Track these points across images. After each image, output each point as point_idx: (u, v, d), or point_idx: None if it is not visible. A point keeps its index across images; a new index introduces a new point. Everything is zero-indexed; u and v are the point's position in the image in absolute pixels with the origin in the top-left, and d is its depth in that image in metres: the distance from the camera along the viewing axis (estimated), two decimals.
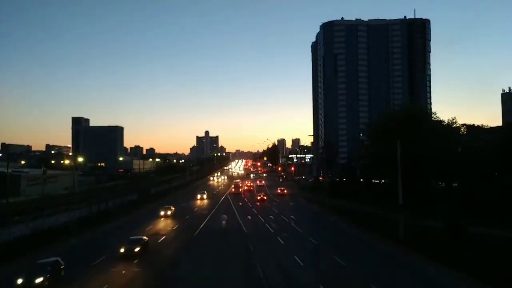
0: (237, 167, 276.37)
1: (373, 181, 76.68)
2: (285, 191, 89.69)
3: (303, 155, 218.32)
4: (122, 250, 30.97)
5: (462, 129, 71.72)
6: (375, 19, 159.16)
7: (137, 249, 31.15)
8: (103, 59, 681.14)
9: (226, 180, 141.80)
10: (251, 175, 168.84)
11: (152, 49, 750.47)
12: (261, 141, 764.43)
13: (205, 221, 50.70)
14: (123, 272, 27.21)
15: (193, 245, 37.13)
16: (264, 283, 24.81)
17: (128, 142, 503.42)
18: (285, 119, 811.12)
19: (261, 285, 24.50)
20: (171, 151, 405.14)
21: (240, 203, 72.56)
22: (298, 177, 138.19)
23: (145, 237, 34.95)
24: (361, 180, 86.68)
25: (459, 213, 40.45)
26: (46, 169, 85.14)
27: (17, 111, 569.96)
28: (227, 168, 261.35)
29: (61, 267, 25.73)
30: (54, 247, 34.61)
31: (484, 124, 76.42)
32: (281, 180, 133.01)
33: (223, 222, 45.96)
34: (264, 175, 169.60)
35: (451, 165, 54.03)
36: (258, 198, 76.06)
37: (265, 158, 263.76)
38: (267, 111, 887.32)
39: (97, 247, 35.52)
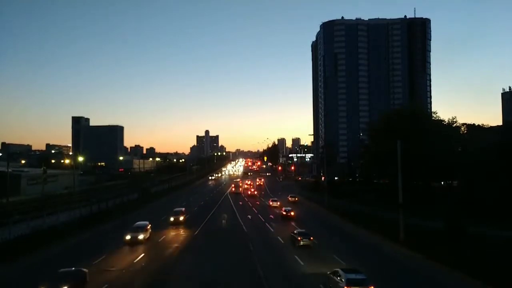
0: (235, 169, 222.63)
1: (373, 180, 76.69)
2: (262, 179, 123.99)
3: (303, 155, 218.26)
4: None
5: (463, 128, 71.83)
6: (375, 19, 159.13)
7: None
8: (103, 59, 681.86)
9: None
10: (249, 173, 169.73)
11: (152, 49, 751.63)
12: (261, 141, 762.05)
13: (206, 220, 50.75)
14: (123, 271, 27.20)
15: (193, 244, 37.05)
16: (264, 283, 24.79)
17: (128, 141, 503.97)
18: (285, 119, 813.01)
19: (261, 285, 24.48)
20: (171, 151, 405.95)
21: (240, 203, 72.61)
22: (297, 177, 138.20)
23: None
24: (361, 179, 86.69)
25: (459, 213, 40.50)
26: (46, 168, 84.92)
27: (17, 111, 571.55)
28: (213, 178, 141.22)
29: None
30: (54, 246, 34.55)
31: (484, 124, 76.59)
32: (281, 179, 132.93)
33: (223, 221, 46.01)
34: (254, 168, 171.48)
35: (451, 164, 54.04)
36: (257, 183, 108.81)
37: (265, 158, 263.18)
38: (267, 110, 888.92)
39: (97, 246, 35.49)
